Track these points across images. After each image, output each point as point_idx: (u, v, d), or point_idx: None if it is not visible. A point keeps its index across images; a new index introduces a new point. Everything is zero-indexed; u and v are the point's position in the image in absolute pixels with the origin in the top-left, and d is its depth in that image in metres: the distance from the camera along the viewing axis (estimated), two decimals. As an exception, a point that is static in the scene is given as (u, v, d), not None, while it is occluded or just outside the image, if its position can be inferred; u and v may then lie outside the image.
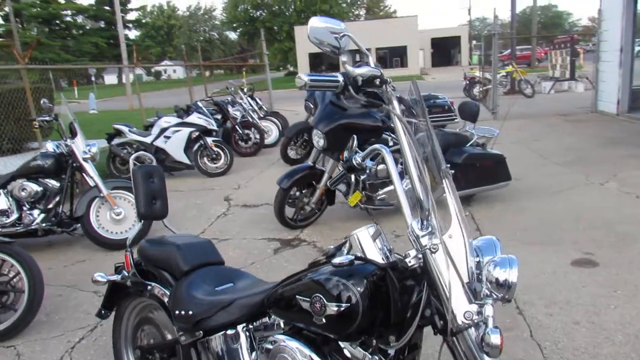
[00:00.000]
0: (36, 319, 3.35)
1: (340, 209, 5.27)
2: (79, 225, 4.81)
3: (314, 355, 1.61)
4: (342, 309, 1.49)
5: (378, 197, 4.99)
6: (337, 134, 4.73)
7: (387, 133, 5.01)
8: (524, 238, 4.35)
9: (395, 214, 5.24)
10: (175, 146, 7.70)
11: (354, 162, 1.99)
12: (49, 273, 4.05)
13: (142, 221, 2.38)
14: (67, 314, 3.56)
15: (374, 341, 1.59)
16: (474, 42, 51.77)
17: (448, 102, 10.16)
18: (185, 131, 7.72)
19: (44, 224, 4.71)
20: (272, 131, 10.27)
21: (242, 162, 8.75)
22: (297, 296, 1.60)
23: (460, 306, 1.37)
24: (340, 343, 1.64)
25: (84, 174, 4.89)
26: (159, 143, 7.79)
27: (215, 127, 8.10)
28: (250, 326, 1.86)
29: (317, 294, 1.54)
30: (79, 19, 57.01)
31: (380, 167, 5.02)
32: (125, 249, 2.34)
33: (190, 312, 1.90)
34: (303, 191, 5.03)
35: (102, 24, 57.12)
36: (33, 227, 4.71)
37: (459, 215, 1.44)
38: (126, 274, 2.31)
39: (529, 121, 11.07)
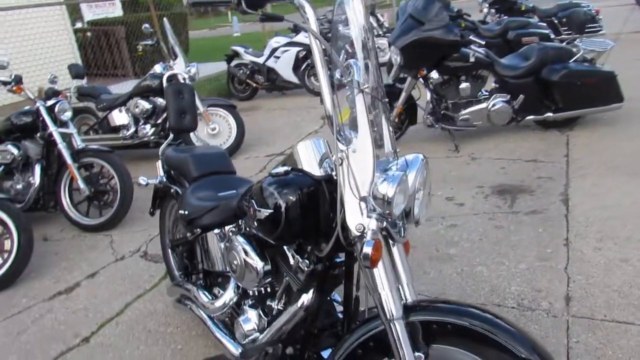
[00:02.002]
0: (133, 215, 4.01)
1: (424, 129, 5.14)
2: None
3: (253, 253, 1.79)
4: (267, 214, 1.62)
5: (460, 118, 4.75)
6: (413, 50, 4.53)
7: (468, 48, 4.64)
8: (616, 167, 3.87)
9: (476, 136, 4.97)
10: (284, 66, 7.98)
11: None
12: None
13: (172, 133, 2.68)
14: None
15: (309, 247, 1.71)
16: None
17: (592, 10, 8.81)
18: (293, 51, 7.92)
19: (153, 137, 5.40)
20: (386, 50, 10.00)
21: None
22: (243, 202, 1.76)
23: (354, 219, 1.41)
24: (285, 248, 1.79)
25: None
26: (270, 63, 8.13)
27: (322, 46, 8.15)
28: (233, 228, 2.08)
29: (252, 200, 1.68)
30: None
31: (463, 85, 4.74)
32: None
33: (186, 212, 2.18)
34: (381, 110, 4.97)
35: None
36: (145, 140, 5.43)
37: (368, 131, 1.43)
38: (159, 179, 2.66)
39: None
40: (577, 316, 2.29)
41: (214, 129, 5.40)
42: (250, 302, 1.92)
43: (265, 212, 1.64)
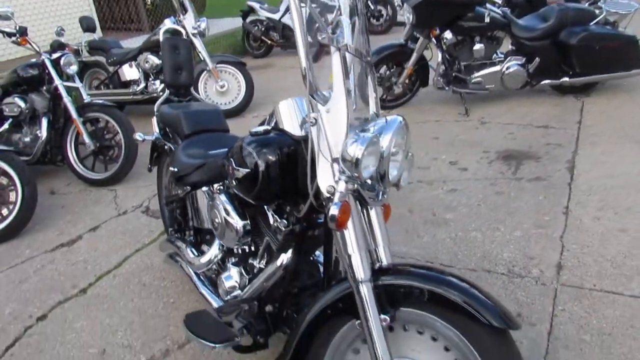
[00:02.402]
0: (137, 171, 4.05)
1: (434, 92, 5.02)
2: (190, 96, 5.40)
3: (233, 212, 1.79)
4: (245, 173, 1.61)
5: (472, 80, 4.62)
6: (426, 8, 4.38)
7: (483, 7, 4.45)
8: (630, 136, 3.74)
9: (488, 100, 4.84)
10: (298, 23, 7.79)
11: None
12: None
13: (168, 89, 2.66)
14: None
15: (288, 208, 1.71)
16: None
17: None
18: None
19: (162, 93, 5.38)
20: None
21: (372, 40, 8.55)
22: (224, 160, 1.75)
23: (325, 180, 1.39)
24: (265, 208, 1.79)
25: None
26: (286, 20, 7.95)
27: (340, 2, 7.93)
28: (219, 186, 2.08)
29: (231, 159, 1.67)
30: None
31: (477, 46, 4.58)
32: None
33: (175, 169, 2.18)
34: (391, 70, 4.86)
35: None
36: (155, 96, 5.40)
37: (342, 91, 1.39)
38: (155, 136, 2.66)
39: None
40: (566, 285, 2.27)
41: (223, 87, 5.36)
42: (233, 260, 1.94)
43: (243, 171, 1.64)
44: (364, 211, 1.52)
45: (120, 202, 3.71)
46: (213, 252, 2.01)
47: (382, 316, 1.35)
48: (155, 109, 2.65)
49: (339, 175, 1.35)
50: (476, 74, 4.61)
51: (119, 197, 3.80)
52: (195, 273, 2.14)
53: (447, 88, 4.70)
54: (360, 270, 1.37)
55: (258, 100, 5.63)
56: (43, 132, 4.02)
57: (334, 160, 1.37)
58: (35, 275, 2.87)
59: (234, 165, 1.66)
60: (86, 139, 3.94)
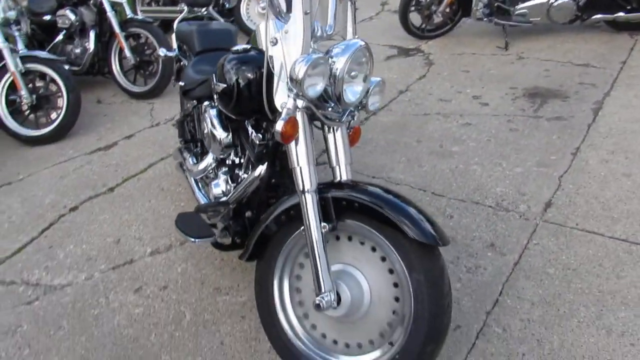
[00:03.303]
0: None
1: (475, 23, 4.81)
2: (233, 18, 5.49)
3: (218, 125, 1.96)
4: (222, 88, 1.75)
5: (516, 12, 4.40)
6: None
7: None
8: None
9: (532, 34, 4.62)
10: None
11: None
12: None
13: (187, 8, 2.78)
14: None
15: (264, 123, 1.84)
16: None
17: None
18: None
19: (206, 13, 5.49)
20: None
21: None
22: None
23: (280, 97, 1.51)
24: (246, 122, 1.93)
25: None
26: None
27: None
28: (211, 101, 2.22)
29: (214, 75, 1.81)
30: None
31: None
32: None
33: (182, 84, 2.35)
34: (431, -3, 4.71)
35: None
36: (199, 15, 5.54)
37: (300, 13, 1.46)
38: (174, 52, 2.82)
39: None
40: (549, 222, 2.31)
41: (264, 8, 5.37)
42: (222, 170, 2.13)
43: (221, 86, 1.78)
44: (327, 131, 1.64)
45: (155, 114, 3.98)
46: (207, 161, 2.20)
47: (323, 224, 1.51)
48: (174, 26, 2.79)
49: (288, 93, 1.46)
50: (521, 5, 4.38)
51: (155, 109, 4.07)
52: (195, 180, 2.36)
53: (486, 19, 4.50)
54: (307, 181, 1.51)
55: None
56: (91, 45, 4.29)
57: (289, 78, 1.47)
58: (74, 173, 3.23)
59: (214, 80, 1.80)
60: (127, 53, 4.18)
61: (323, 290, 1.48)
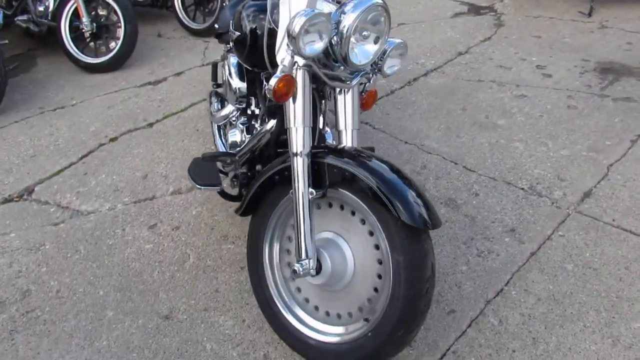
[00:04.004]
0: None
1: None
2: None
3: (235, 74, 1.92)
4: (236, 35, 1.70)
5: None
6: None
7: None
8: None
9: (620, 1, 4.08)
10: None
11: None
12: None
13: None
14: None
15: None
16: None
17: None
18: None
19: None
20: None
21: None
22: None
23: (282, 54, 1.44)
24: (261, 74, 1.88)
25: None
26: None
27: None
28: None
29: (231, 21, 1.76)
30: None
31: None
32: None
33: (216, 26, 2.32)
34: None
35: None
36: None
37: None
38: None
39: None
40: (583, 213, 2.13)
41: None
42: (241, 120, 2.10)
43: (236, 34, 1.72)
44: (337, 91, 1.56)
45: (208, 53, 4.00)
46: (229, 109, 2.19)
47: (311, 189, 1.45)
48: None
49: (287, 49, 1.38)
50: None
51: (209, 49, 4.09)
52: (218, 127, 2.36)
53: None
54: (300, 143, 1.45)
55: None
56: (155, -24, 4.33)
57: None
58: (121, 104, 3.34)
59: (231, 28, 1.75)
60: (188, -12, 4.19)
61: (303, 257, 1.45)
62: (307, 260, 1.45)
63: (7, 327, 1.80)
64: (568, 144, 2.56)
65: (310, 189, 1.45)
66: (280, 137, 1.84)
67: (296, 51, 1.35)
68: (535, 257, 1.94)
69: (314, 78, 1.50)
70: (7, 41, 3.87)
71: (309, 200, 1.45)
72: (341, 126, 1.59)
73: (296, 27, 1.30)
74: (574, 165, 2.41)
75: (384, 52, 1.58)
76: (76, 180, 2.61)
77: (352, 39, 1.44)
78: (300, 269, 1.43)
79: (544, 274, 1.87)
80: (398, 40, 1.61)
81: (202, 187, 1.97)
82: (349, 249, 1.52)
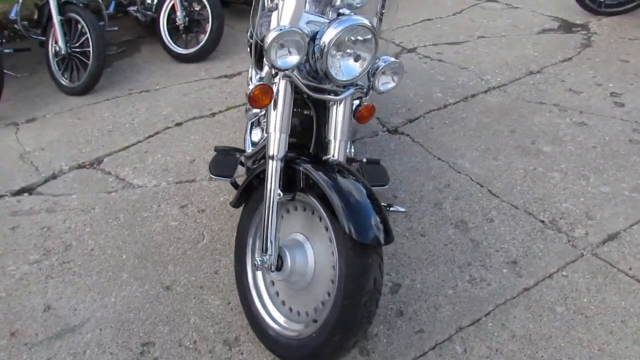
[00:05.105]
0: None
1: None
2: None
3: (253, 73, 2.06)
4: (249, 42, 1.86)
5: None
6: None
7: None
8: None
9: None
10: None
11: None
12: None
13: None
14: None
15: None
16: None
17: None
18: None
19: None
20: None
21: None
22: None
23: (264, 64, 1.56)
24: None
25: None
26: None
27: None
28: None
29: (251, 28, 1.92)
30: None
31: None
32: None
33: None
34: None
35: None
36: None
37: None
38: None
39: None
40: (598, 256, 1.99)
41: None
42: (264, 120, 2.26)
43: (250, 41, 1.88)
44: (331, 102, 1.64)
45: (285, 52, 4.21)
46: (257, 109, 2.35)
47: (279, 192, 1.56)
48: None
49: (266, 60, 1.50)
50: None
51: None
52: (250, 123, 2.54)
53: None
54: (275, 148, 1.57)
55: None
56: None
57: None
58: (195, 93, 3.67)
59: (248, 35, 1.90)
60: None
61: (265, 252, 1.57)
62: (267, 256, 1.57)
63: (45, 272, 2.14)
64: (612, 180, 2.37)
65: (279, 191, 1.57)
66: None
67: (269, 63, 1.47)
68: (527, 293, 1.87)
69: (315, 89, 1.60)
70: (116, 28, 4.42)
71: (277, 201, 1.57)
72: (330, 136, 1.68)
73: (268, 41, 1.42)
74: (609, 204, 2.24)
75: (376, 69, 1.64)
76: (137, 156, 2.95)
77: (337, 55, 1.53)
78: (259, 263, 1.56)
79: (529, 311, 1.80)
80: (393, 59, 1.66)
81: (215, 177, 2.16)
82: (312, 251, 1.62)
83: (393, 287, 1.94)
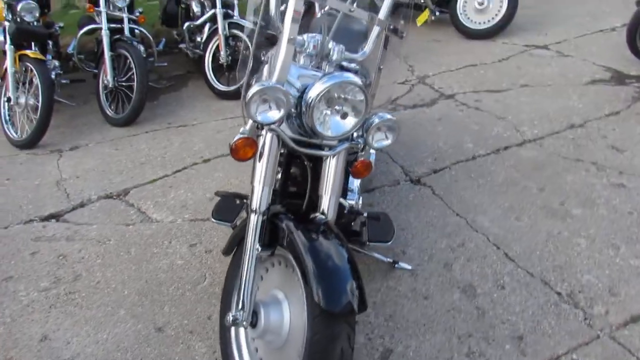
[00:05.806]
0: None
1: None
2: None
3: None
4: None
5: None
6: None
7: None
8: None
9: None
10: None
11: None
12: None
13: None
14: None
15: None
16: None
17: None
18: None
19: None
20: None
21: None
22: None
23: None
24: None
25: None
26: None
27: None
28: None
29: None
30: None
31: None
32: None
33: None
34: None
35: None
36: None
37: (286, 39, 1.45)
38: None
39: None
40: (616, 340, 1.79)
41: (482, 3, 5.00)
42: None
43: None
44: (319, 157, 1.61)
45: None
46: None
47: (257, 246, 1.53)
48: None
49: (245, 114, 1.49)
50: None
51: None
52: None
53: None
54: (256, 202, 1.55)
55: (518, 24, 5.08)
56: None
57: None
58: (228, 130, 3.75)
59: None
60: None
61: (239, 307, 1.53)
62: (241, 312, 1.52)
63: (50, 301, 2.21)
64: (645, 253, 2.16)
65: (258, 246, 1.53)
66: (288, 189, 1.94)
67: (248, 117, 1.46)
68: (529, 374, 1.71)
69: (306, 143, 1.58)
70: (165, 63, 4.65)
71: (254, 256, 1.53)
72: (321, 191, 1.64)
73: (249, 95, 1.41)
74: (638, 280, 2.03)
75: (370, 125, 1.59)
76: (161, 190, 3.02)
77: (327, 111, 1.50)
78: (230, 319, 1.52)
79: (528, 396, 1.63)
80: (388, 116, 1.61)
81: (216, 221, 2.16)
82: (288, 310, 1.56)
83: (384, 352, 1.83)
